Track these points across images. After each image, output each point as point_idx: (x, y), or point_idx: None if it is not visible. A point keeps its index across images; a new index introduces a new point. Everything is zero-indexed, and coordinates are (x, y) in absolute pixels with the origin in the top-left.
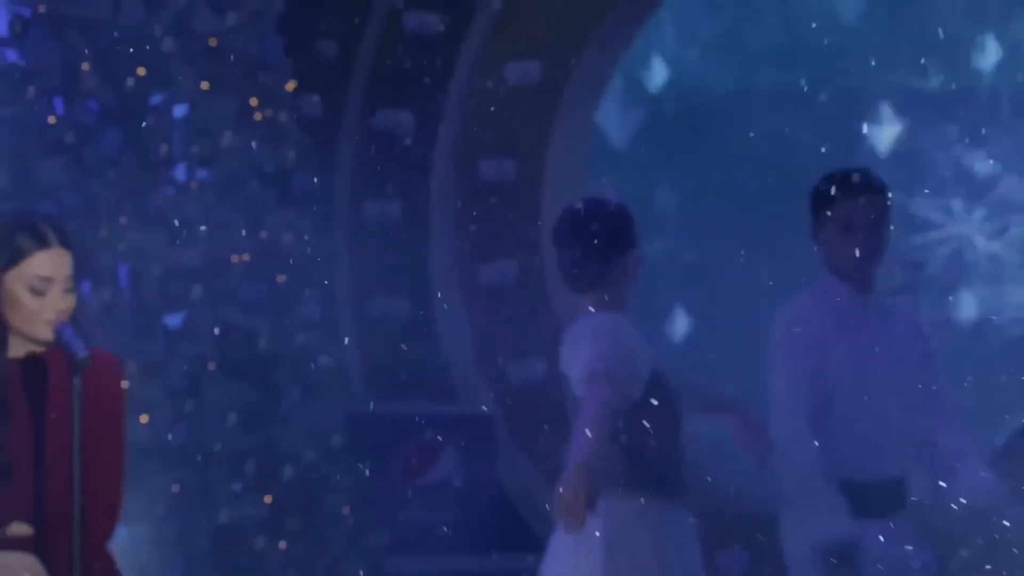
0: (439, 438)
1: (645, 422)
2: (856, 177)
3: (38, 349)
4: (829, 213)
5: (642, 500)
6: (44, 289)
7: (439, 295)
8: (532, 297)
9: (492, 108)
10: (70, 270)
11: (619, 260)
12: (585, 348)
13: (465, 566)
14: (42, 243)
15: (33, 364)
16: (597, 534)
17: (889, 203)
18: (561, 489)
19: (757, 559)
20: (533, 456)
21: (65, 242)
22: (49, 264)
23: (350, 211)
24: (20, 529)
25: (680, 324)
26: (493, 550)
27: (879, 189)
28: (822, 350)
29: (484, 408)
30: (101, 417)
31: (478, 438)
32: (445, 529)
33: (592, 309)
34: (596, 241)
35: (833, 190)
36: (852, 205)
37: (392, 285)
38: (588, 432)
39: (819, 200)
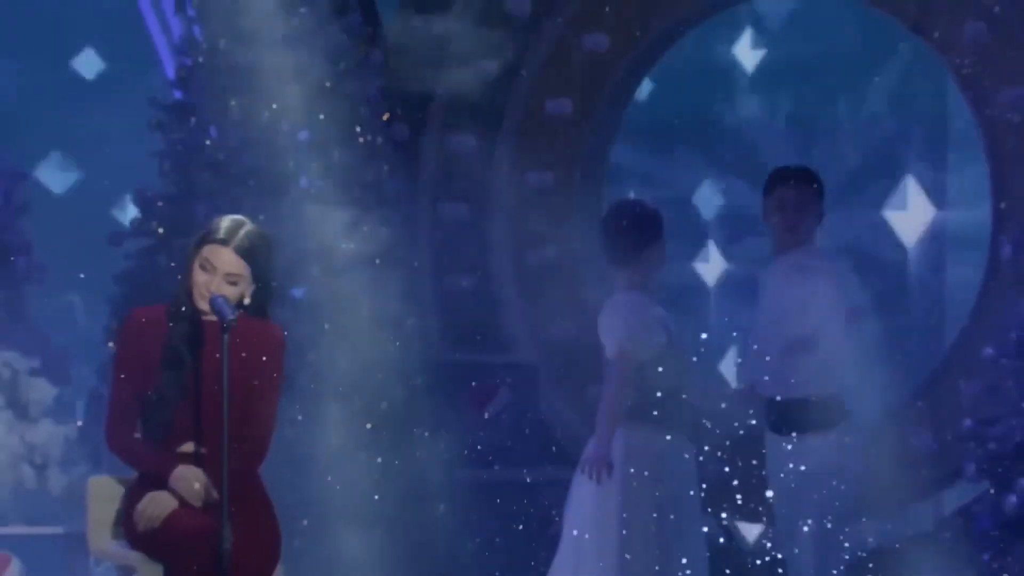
0: (496, 380)
1: (660, 368)
2: (780, 171)
3: (203, 314)
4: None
5: (652, 430)
6: (207, 270)
7: (497, 273)
8: (566, 275)
9: (536, 134)
10: (234, 269)
11: (648, 248)
12: (617, 324)
13: (516, 476)
14: (223, 241)
15: (209, 325)
16: (617, 459)
17: (805, 191)
18: (589, 458)
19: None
20: (566, 394)
21: (243, 251)
22: (216, 255)
23: (429, 210)
24: (187, 447)
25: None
26: (536, 464)
27: (796, 180)
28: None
29: (529, 358)
30: (264, 373)
31: (525, 380)
32: (501, 447)
33: (625, 286)
34: (631, 231)
35: (768, 181)
36: (777, 191)
37: (461, 265)
38: (612, 397)
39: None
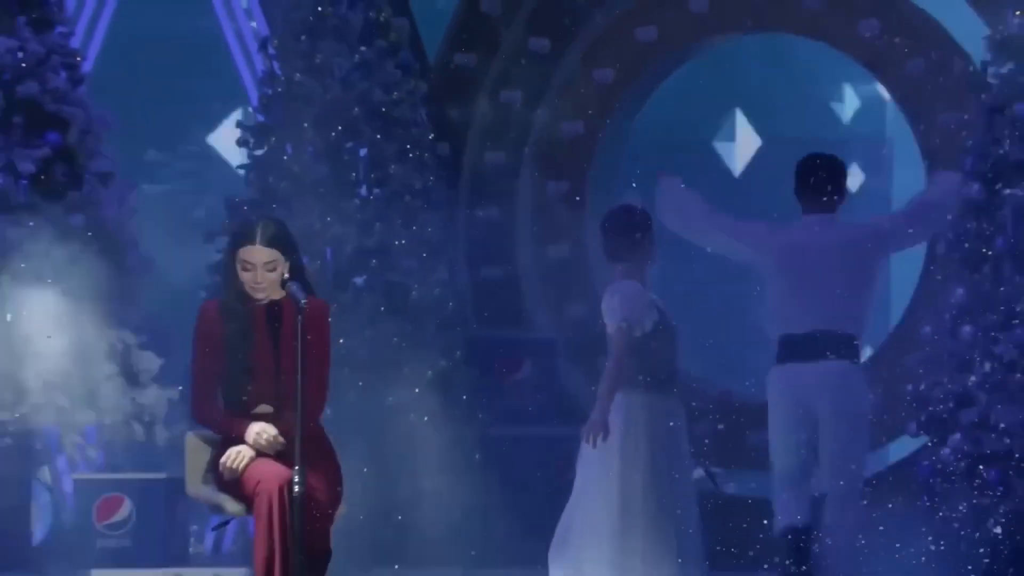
0: (521, 353)
1: (652, 343)
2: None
3: (277, 297)
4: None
5: (648, 393)
6: (248, 268)
7: (521, 264)
8: (577, 266)
9: (554, 151)
10: (268, 258)
11: (640, 244)
12: (616, 306)
13: (537, 431)
14: (250, 240)
15: (273, 307)
16: (617, 419)
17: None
18: (590, 424)
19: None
20: (579, 364)
21: (269, 240)
22: (251, 254)
23: (466, 213)
24: (265, 408)
25: None
26: (554, 421)
27: (828, 169)
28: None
29: (549, 334)
30: (315, 340)
31: (545, 353)
32: (525, 408)
33: (622, 276)
34: (625, 231)
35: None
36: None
37: (492, 258)
38: (612, 370)
39: (801, 174)
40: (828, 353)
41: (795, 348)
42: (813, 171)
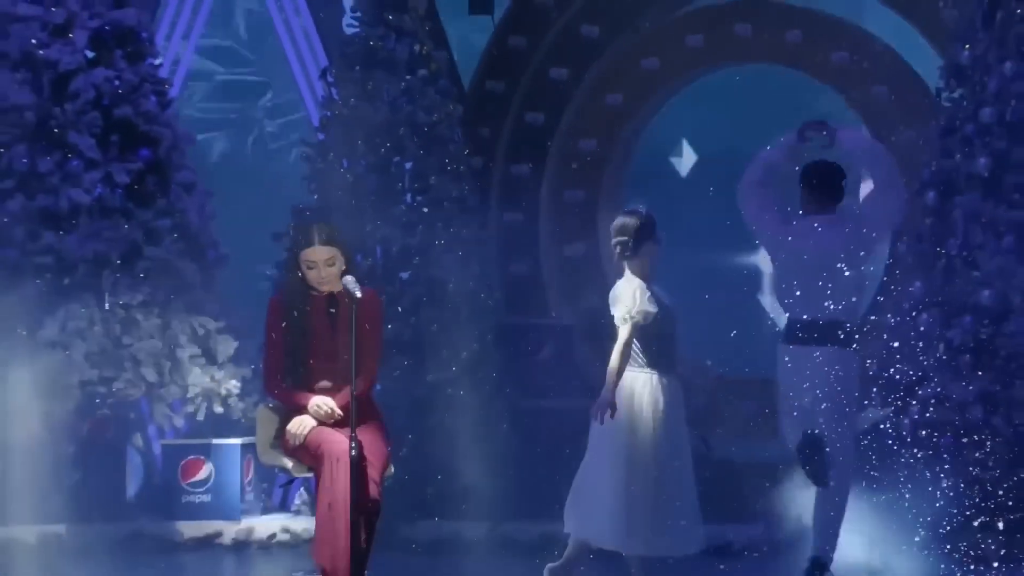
0: (543, 337)
1: (654, 330)
2: (813, 166)
3: (336, 290)
4: (813, 183)
5: (651, 373)
6: (311, 267)
7: (543, 261)
8: (590, 263)
9: (571, 164)
10: (328, 255)
11: (644, 245)
12: (623, 298)
13: (556, 404)
14: (310, 243)
15: (331, 298)
16: (624, 394)
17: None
18: (598, 403)
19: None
20: (592, 346)
21: (325, 240)
22: (312, 255)
23: (497, 218)
24: (324, 384)
25: None
26: (571, 396)
27: (830, 173)
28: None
29: (567, 321)
30: (368, 326)
31: (563, 337)
32: (546, 384)
33: (628, 272)
34: (632, 233)
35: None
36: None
37: (519, 256)
38: (618, 354)
39: (805, 178)
40: (824, 338)
41: (797, 331)
42: (816, 175)
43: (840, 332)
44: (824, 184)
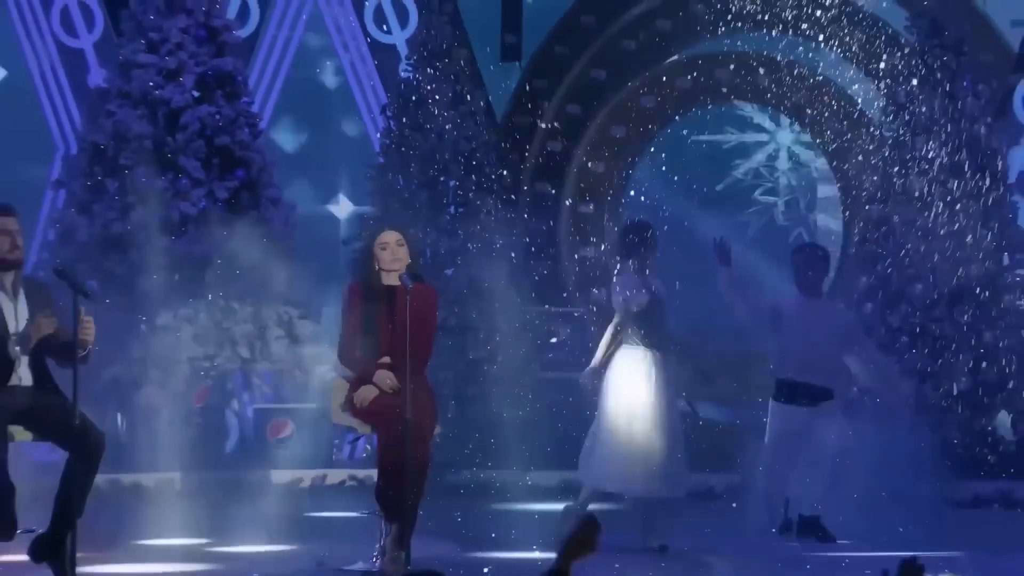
0: (560, 323)
1: (646, 315)
2: (804, 246)
3: (395, 283)
4: (795, 261)
5: (645, 349)
6: (384, 248)
7: (562, 260)
8: (600, 262)
9: (584, 183)
10: (398, 238)
11: (642, 246)
12: (623, 290)
13: (573, 376)
14: (382, 228)
15: (393, 289)
16: (623, 368)
17: (824, 258)
18: (585, 372)
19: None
20: (601, 331)
21: (395, 227)
22: (386, 236)
23: (525, 226)
24: (386, 360)
25: None
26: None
27: (815, 253)
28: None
29: (581, 310)
30: (422, 313)
31: (578, 322)
32: (564, 360)
33: (627, 268)
34: (629, 236)
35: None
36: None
37: (541, 256)
38: (608, 333)
39: (799, 267)
40: (815, 400)
41: (792, 392)
42: (810, 265)
43: (829, 395)
44: (818, 271)
